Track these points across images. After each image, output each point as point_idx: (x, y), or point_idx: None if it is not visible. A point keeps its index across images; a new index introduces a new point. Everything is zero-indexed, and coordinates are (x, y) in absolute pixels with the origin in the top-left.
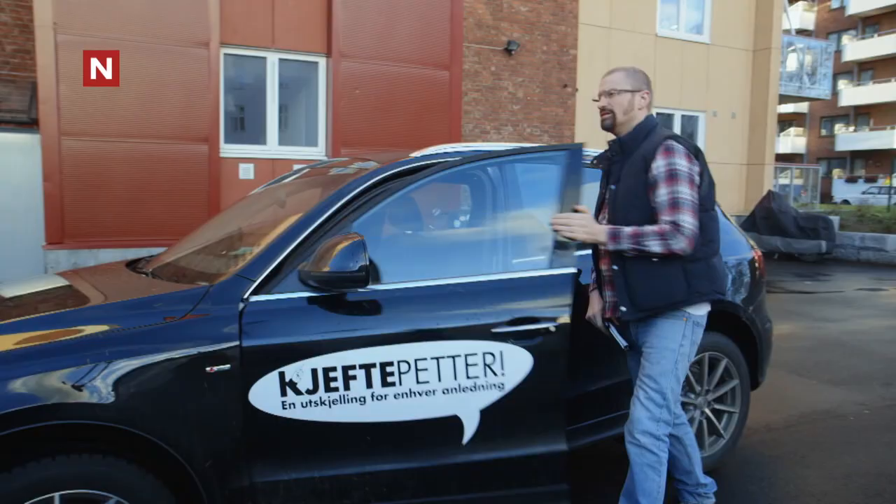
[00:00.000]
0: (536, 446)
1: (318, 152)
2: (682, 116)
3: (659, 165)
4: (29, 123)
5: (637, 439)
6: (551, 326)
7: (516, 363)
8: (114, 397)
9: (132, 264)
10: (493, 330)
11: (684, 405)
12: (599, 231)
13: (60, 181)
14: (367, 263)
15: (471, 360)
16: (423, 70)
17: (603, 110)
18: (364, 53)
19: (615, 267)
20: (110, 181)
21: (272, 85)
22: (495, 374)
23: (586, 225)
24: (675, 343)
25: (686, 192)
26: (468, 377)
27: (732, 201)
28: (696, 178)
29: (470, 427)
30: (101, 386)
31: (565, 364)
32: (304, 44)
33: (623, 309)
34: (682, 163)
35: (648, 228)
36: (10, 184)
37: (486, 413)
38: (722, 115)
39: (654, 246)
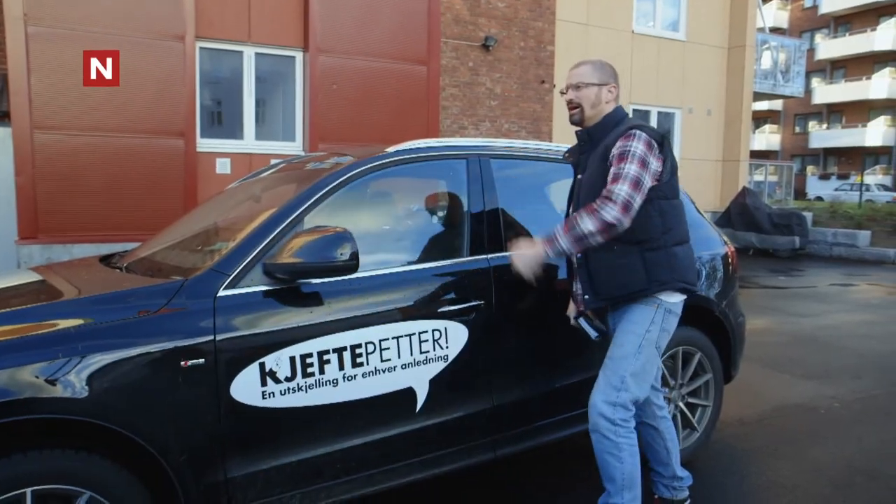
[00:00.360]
0: (469, 407)
1: (295, 147)
2: (659, 113)
3: (615, 148)
4: (0, 116)
5: (594, 424)
6: (481, 304)
7: (457, 337)
8: (87, 392)
9: (106, 259)
10: (440, 310)
11: None
12: (536, 250)
13: (33, 175)
14: (356, 252)
15: (423, 336)
16: (401, 65)
17: (570, 104)
18: (341, 48)
19: (579, 256)
20: (84, 175)
21: (249, 79)
22: (442, 347)
23: (521, 255)
24: (642, 328)
25: (633, 169)
26: (421, 352)
27: (708, 197)
28: (652, 164)
29: (421, 396)
30: (75, 380)
31: (492, 335)
32: (280, 38)
33: (586, 297)
34: (638, 146)
35: (579, 211)
36: None
37: (434, 382)
38: (697, 111)
39: (587, 224)
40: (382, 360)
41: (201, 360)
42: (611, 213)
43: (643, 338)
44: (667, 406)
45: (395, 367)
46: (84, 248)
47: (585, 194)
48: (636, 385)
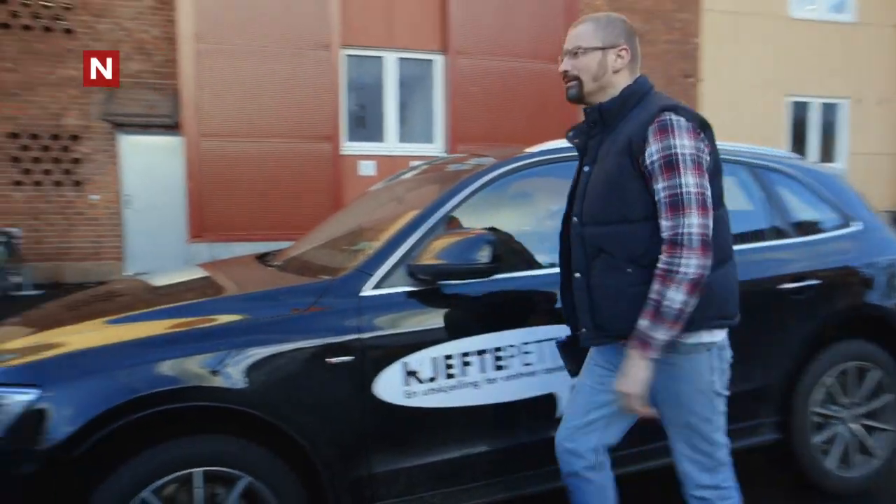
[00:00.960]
0: None
1: (435, 149)
2: (822, 105)
3: (652, 152)
4: (174, 127)
5: (696, 496)
6: None
7: None
8: (245, 383)
9: (262, 257)
10: None
11: (827, 417)
12: (637, 373)
13: (200, 179)
14: (498, 254)
15: None
16: (539, 65)
17: (565, 76)
18: (479, 50)
19: (577, 274)
20: (242, 179)
21: (391, 83)
22: None
23: (626, 394)
24: (704, 380)
25: (692, 184)
26: None
27: (882, 195)
28: (706, 159)
29: (561, 402)
30: (234, 372)
31: None
32: (420, 42)
33: (583, 331)
34: (684, 143)
35: (655, 283)
36: (159, 183)
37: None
38: (867, 101)
39: (674, 296)
40: (524, 364)
41: (347, 358)
42: (691, 265)
43: (711, 392)
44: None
45: (536, 372)
46: (242, 246)
47: (597, 198)
48: (721, 437)
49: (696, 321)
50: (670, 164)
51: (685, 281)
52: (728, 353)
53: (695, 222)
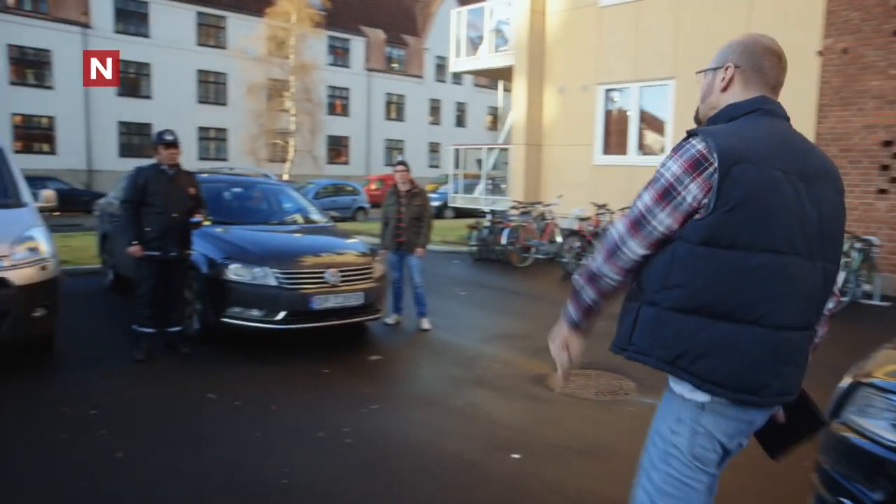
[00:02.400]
0: None
1: None
2: None
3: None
4: None
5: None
6: None
7: None
8: None
9: None
10: None
11: None
12: (559, 331)
13: None
14: None
15: None
16: None
17: None
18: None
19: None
20: None
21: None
22: None
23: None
24: (665, 425)
25: (642, 201)
26: None
27: None
28: (684, 197)
29: None
30: None
31: None
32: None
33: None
34: (669, 166)
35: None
36: None
37: None
38: None
39: (580, 276)
40: None
41: None
42: (598, 258)
43: (667, 443)
44: None
45: None
46: None
47: None
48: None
49: (646, 354)
50: (652, 180)
51: (584, 270)
52: (722, 426)
53: (619, 230)
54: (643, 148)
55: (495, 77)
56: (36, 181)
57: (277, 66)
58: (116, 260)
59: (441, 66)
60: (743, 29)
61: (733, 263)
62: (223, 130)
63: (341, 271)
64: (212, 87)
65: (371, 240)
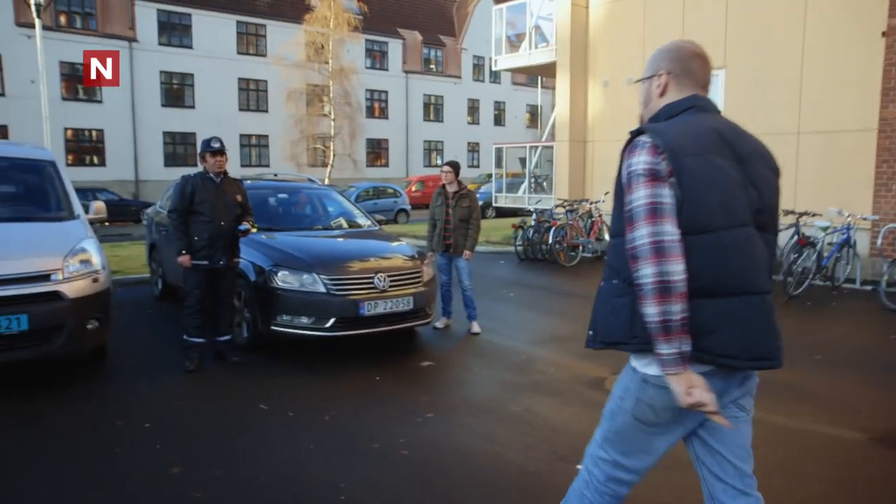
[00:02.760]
0: None
1: None
2: None
3: (622, 170)
4: None
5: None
6: None
7: None
8: None
9: None
10: None
11: None
12: (674, 388)
13: None
14: None
15: None
16: None
17: None
18: None
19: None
20: None
21: None
22: None
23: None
24: (619, 390)
25: (640, 198)
26: None
27: None
28: (658, 169)
29: None
30: None
31: None
32: None
33: (590, 333)
34: (639, 160)
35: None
36: None
37: None
38: None
39: (648, 308)
40: None
41: None
42: (647, 273)
43: (618, 404)
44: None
45: None
46: None
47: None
48: (613, 449)
49: (628, 340)
50: (629, 182)
51: (648, 293)
52: (659, 397)
53: (643, 233)
54: None
55: (538, 74)
56: (87, 192)
57: (316, 71)
58: (165, 269)
59: (478, 66)
60: (799, 13)
61: (712, 244)
62: (264, 137)
63: (390, 276)
64: (252, 95)
65: (416, 242)
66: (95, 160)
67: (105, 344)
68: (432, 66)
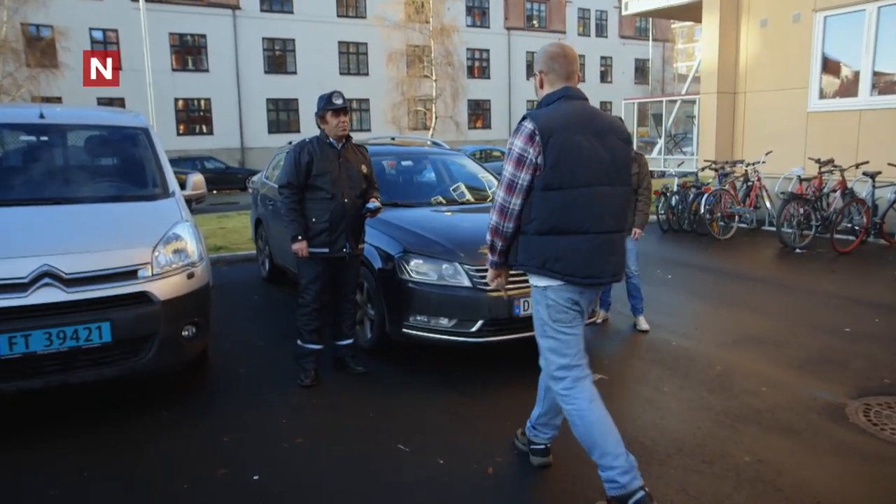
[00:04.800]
0: None
1: None
2: None
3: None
4: None
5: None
6: None
7: None
8: None
9: None
10: None
11: None
12: (489, 271)
13: None
14: None
15: None
16: None
17: None
18: None
19: None
20: None
21: None
22: None
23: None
24: (535, 311)
25: (507, 170)
26: None
27: None
28: (530, 157)
29: None
30: None
31: None
32: None
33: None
34: (516, 143)
35: None
36: None
37: None
38: None
39: (487, 234)
40: None
41: None
42: (493, 220)
43: (538, 317)
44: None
45: None
46: None
47: None
48: (558, 355)
49: (521, 264)
50: (508, 156)
51: (490, 230)
52: (563, 297)
53: (500, 194)
54: (879, 87)
55: (677, 18)
56: (195, 161)
57: (417, 31)
58: (272, 248)
59: (584, 20)
60: None
61: (561, 199)
62: (365, 101)
63: None
64: (353, 58)
65: None
66: (204, 129)
67: (207, 349)
68: (535, 22)
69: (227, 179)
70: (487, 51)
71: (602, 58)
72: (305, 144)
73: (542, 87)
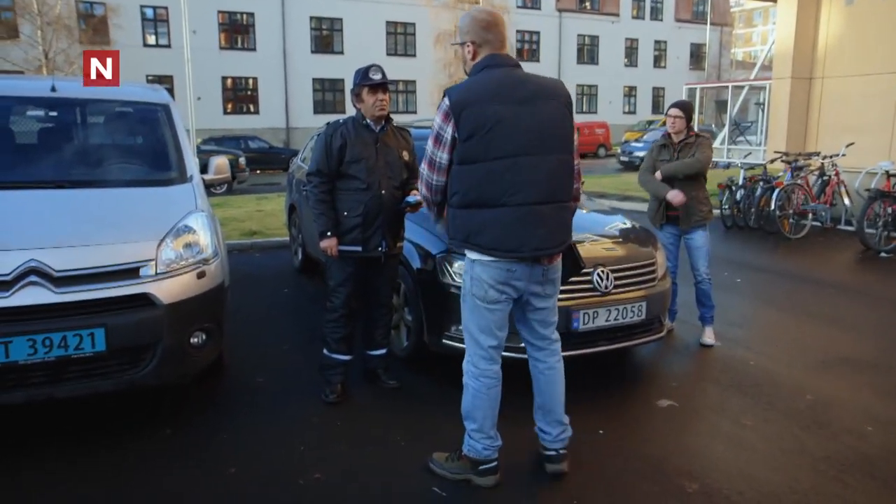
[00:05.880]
0: None
1: None
2: None
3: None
4: None
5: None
6: None
7: None
8: None
9: None
10: None
11: None
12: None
13: None
14: None
15: None
16: None
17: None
18: None
19: None
20: None
21: None
22: None
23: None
24: (463, 279)
25: (428, 147)
26: None
27: None
28: (446, 135)
29: None
30: None
31: None
32: None
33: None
34: (436, 120)
35: None
36: None
37: None
38: None
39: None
40: None
41: None
42: (421, 190)
43: (464, 289)
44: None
45: None
46: None
47: None
48: (476, 334)
49: (450, 237)
50: (431, 133)
51: (421, 196)
52: (485, 273)
53: (423, 168)
54: None
55: None
56: (240, 140)
57: (466, 11)
58: (305, 237)
59: (639, 2)
60: None
61: (478, 172)
62: (412, 82)
63: (615, 270)
64: (400, 39)
65: (602, 204)
66: (250, 108)
67: (222, 354)
68: (587, 4)
69: (270, 159)
70: (538, 33)
71: (656, 42)
72: (339, 126)
73: (473, 58)
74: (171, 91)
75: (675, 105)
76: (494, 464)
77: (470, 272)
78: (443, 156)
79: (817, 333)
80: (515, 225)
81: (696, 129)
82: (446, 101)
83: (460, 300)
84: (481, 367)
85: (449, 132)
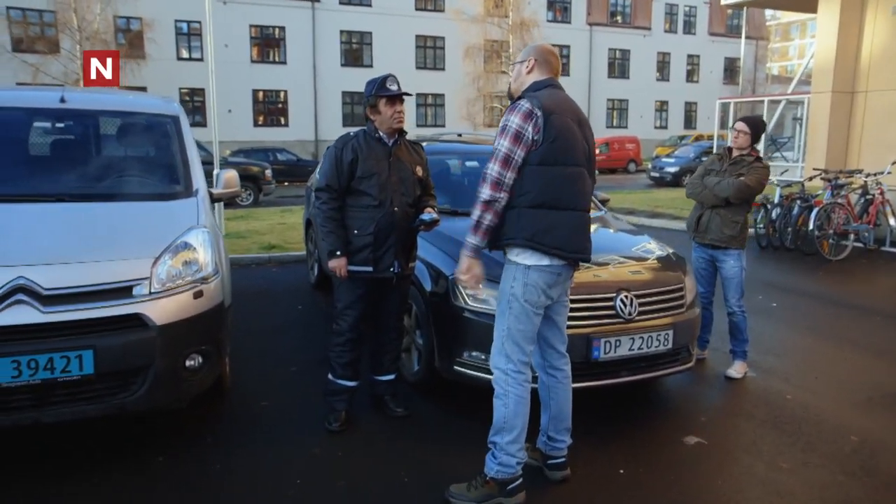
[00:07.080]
0: None
1: None
2: None
3: (502, 121)
4: None
5: (491, 372)
6: None
7: None
8: None
9: None
10: None
11: None
12: (461, 263)
13: None
14: None
15: None
16: None
17: None
18: None
19: None
20: None
21: None
22: None
23: (459, 279)
24: (507, 285)
25: (503, 145)
26: None
27: None
28: (527, 135)
29: None
30: None
31: None
32: None
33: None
34: (514, 119)
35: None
36: None
37: None
38: None
39: (475, 211)
40: None
41: None
42: (482, 191)
43: (508, 294)
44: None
45: None
46: None
47: None
48: (519, 340)
49: (511, 238)
50: (501, 131)
51: (479, 202)
52: (539, 278)
53: (494, 168)
54: None
55: (786, 8)
56: (268, 153)
57: (496, 25)
58: (321, 253)
59: (671, 15)
60: None
61: (555, 174)
62: (440, 96)
63: (639, 295)
64: (430, 52)
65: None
66: (281, 121)
67: (224, 377)
68: (618, 18)
69: (297, 172)
70: (568, 47)
71: (689, 56)
72: (349, 140)
73: (529, 72)
74: (202, 104)
75: (743, 119)
76: (521, 479)
77: (523, 278)
78: (521, 154)
79: (862, 366)
80: (578, 229)
81: (760, 150)
82: (528, 104)
83: (502, 308)
84: (526, 374)
85: (530, 132)
